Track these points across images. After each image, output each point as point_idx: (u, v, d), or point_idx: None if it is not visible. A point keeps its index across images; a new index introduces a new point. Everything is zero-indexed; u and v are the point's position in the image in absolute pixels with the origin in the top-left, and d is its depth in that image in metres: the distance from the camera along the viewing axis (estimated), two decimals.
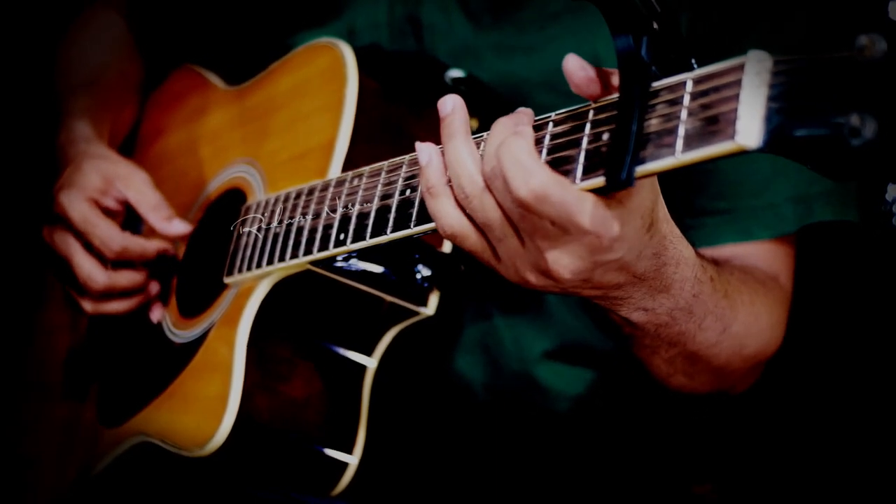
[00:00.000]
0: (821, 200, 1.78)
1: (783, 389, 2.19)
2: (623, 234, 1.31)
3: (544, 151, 1.34)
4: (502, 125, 1.36)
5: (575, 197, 1.27)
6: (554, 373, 2.00)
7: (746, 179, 1.80)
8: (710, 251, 1.81)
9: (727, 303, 1.60)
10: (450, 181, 1.39)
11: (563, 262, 1.33)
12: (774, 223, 1.80)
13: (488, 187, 1.35)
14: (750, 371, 1.80)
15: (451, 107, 1.41)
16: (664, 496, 2.15)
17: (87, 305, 1.98)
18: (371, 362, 1.84)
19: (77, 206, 1.93)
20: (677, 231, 1.44)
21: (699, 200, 1.82)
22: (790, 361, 1.90)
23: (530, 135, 1.33)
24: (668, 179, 1.35)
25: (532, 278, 1.38)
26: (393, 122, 1.82)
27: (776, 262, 1.82)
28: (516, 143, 1.30)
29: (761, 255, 1.81)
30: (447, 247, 1.81)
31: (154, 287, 2.01)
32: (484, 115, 1.88)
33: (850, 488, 2.27)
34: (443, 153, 1.41)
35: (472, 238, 1.40)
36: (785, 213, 1.79)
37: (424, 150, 1.42)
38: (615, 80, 1.33)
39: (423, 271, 1.79)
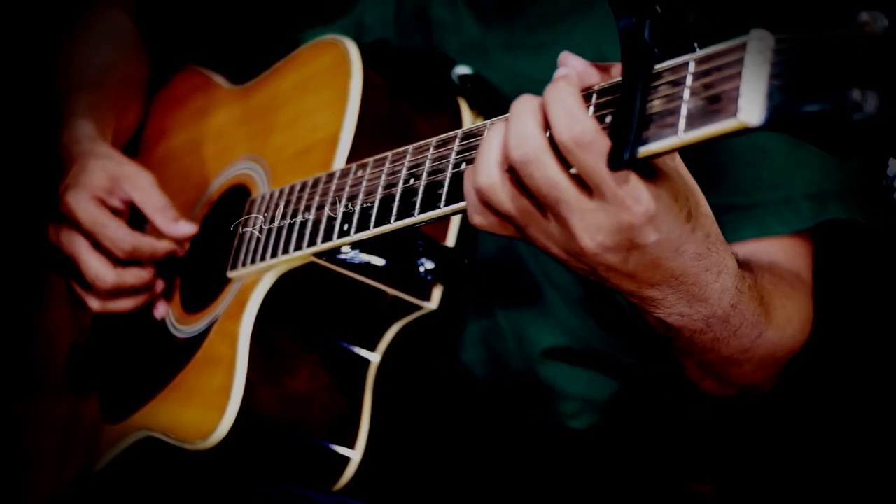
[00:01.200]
0: (834, 198, 1.78)
1: (784, 390, 2.19)
2: (658, 214, 1.30)
3: (548, 134, 1.35)
4: (529, 100, 1.34)
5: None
6: (556, 372, 2.00)
7: (762, 174, 1.80)
8: (734, 249, 1.81)
9: (762, 310, 1.59)
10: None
11: (597, 238, 1.31)
12: (791, 218, 1.79)
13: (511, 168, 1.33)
14: (778, 373, 1.80)
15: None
16: (664, 496, 2.15)
17: (94, 304, 1.98)
18: (374, 357, 1.85)
19: (85, 206, 1.94)
20: (721, 236, 1.42)
21: (716, 197, 1.80)
22: (793, 361, 1.90)
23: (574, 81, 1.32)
24: (691, 147, 1.33)
25: (559, 253, 1.36)
26: (397, 118, 1.84)
27: (797, 258, 1.82)
28: (568, 89, 1.28)
29: (780, 251, 1.81)
30: (451, 240, 1.82)
31: (160, 285, 2.02)
32: (488, 112, 1.90)
33: (851, 489, 2.27)
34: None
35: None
36: (801, 208, 1.79)
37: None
38: (615, 72, 1.35)
39: (427, 264, 1.79)
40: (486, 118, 1.92)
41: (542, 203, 1.33)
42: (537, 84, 1.89)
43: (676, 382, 1.85)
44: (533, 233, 1.36)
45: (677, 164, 1.35)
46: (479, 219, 1.39)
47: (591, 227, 1.31)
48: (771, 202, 1.80)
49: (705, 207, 1.39)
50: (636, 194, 1.28)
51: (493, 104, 1.92)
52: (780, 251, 1.81)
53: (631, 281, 1.39)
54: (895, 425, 2.26)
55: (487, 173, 1.35)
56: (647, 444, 2.12)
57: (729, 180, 1.82)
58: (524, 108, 1.32)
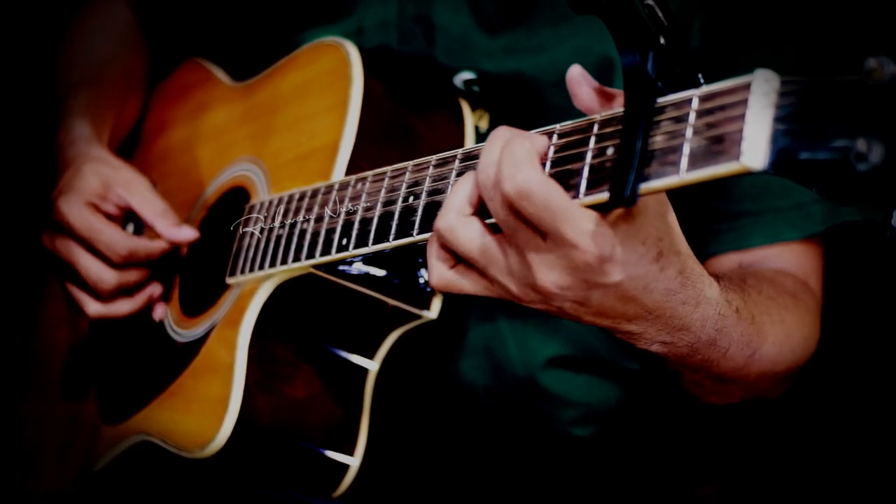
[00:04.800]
0: None
1: (785, 391, 2.18)
2: (616, 256, 1.29)
3: (548, 164, 1.33)
4: (503, 131, 1.35)
5: (562, 204, 1.26)
6: (559, 379, 1.99)
7: (772, 181, 1.77)
8: (737, 256, 1.81)
9: (754, 329, 1.58)
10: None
11: (551, 277, 1.32)
12: (803, 223, 1.78)
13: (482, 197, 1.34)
14: (785, 380, 1.78)
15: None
16: (665, 497, 2.15)
17: (93, 308, 1.96)
18: (373, 365, 1.84)
19: (78, 212, 1.92)
20: (699, 268, 1.41)
21: (725, 204, 1.81)
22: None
23: (537, 140, 1.33)
24: (692, 186, 1.33)
25: (521, 293, 1.37)
26: (398, 124, 1.81)
27: (806, 264, 1.81)
28: (520, 141, 1.29)
29: (790, 257, 1.80)
30: None
31: (158, 287, 2.01)
32: (496, 111, 1.87)
33: (851, 490, 2.26)
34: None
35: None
36: (812, 212, 1.77)
37: None
38: (618, 102, 1.33)
39: (426, 275, 1.78)
40: (491, 116, 1.91)
41: (502, 230, 1.33)
42: (544, 86, 1.88)
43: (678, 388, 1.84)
44: (494, 273, 1.36)
45: (659, 203, 1.33)
46: (436, 273, 1.41)
47: (546, 263, 1.31)
48: (782, 207, 1.79)
49: (679, 245, 1.37)
50: (591, 241, 1.27)
51: (501, 102, 1.90)
52: (790, 257, 1.80)
53: (604, 318, 1.39)
54: (895, 426, 2.25)
55: (446, 217, 1.37)
56: (648, 446, 2.12)
57: (739, 186, 1.81)
58: (494, 137, 1.33)
